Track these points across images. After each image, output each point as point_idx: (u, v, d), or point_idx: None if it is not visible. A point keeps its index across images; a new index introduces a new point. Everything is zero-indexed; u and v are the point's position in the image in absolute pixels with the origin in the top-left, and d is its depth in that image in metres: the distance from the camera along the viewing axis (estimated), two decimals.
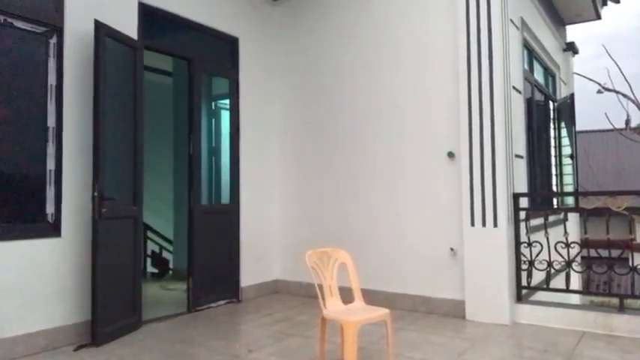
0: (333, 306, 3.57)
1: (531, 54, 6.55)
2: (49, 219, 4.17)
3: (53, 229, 4.16)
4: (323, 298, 3.52)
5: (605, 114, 13.35)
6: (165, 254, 8.42)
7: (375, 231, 5.61)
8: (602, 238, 4.50)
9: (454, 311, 4.99)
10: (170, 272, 7.93)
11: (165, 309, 5.41)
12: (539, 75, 7.10)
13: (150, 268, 8.25)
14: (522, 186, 5.50)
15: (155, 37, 5.17)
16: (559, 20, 8.31)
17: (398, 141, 5.51)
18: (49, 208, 4.18)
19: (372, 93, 5.72)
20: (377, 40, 5.71)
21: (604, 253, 4.59)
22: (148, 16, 5.02)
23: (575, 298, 6.49)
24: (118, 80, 4.54)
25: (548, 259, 4.73)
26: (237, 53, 6.06)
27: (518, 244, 4.86)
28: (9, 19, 3.96)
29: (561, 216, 5.91)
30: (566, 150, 7.81)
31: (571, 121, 7.78)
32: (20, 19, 4.02)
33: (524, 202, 5.07)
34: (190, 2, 5.45)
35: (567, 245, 4.62)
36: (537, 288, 4.95)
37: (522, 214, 4.95)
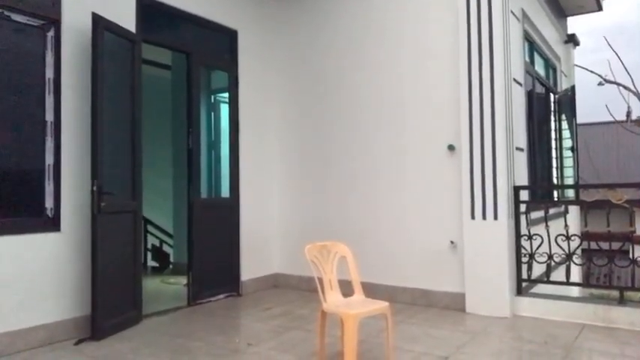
0: (333, 299, 3.57)
1: (532, 46, 6.51)
2: (49, 213, 4.17)
3: (52, 224, 4.16)
4: (323, 292, 3.51)
5: (606, 106, 13.33)
6: (165, 248, 8.43)
7: (375, 224, 5.60)
8: (602, 231, 4.49)
9: (454, 304, 4.99)
10: (170, 266, 7.94)
11: (165, 303, 5.41)
12: (540, 67, 7.06)
13: (150, 262, 8.27)
14: (523, 179, 5.49)
15: (154, 30, 5.13)
16: (560, 12, 8.26)
17: (398, 133, 5.49)
18: (48, 203, 4.17)
19: (372, 85, 5.69)
20: (377, 32, 5.67)
21: (604, 245, 4.59)
22: (147, 9, 4.98)
23: (575, 291, 6.50)
24: (117, 74, 4.51)
25: (548, 252, 4.73)
26: (237, 46, 6.02)
27: (518, 236, 4.85)
28: (6, 12, 3.94)
29: (562, 209, 5.90)
30: (567, 142, 7.79)
31: (572, 114, 7.76)
32: (17, 12, 4.00)
33: (524, 195, 5.05)
34: None
35: (568, 238, 4.62)
36: (537, 281, 4.95)
37: (523, 207, 4.94)
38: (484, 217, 4.80)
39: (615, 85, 12.99)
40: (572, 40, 8.63)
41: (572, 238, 4.63)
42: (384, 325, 3.51)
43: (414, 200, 5.36)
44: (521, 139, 5.49)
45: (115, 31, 4.45)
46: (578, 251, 4.77)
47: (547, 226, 4.77)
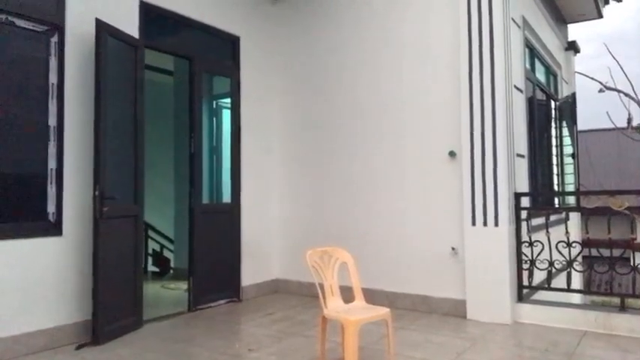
0: (333, 305, 3.57)
1: (533, 53, 6.54)
2: (51, 218, 4.18)
3: (54, 228, 4.17)
4: (324, 298, 3.52)
5: (607, 113, 13.31)
6: (166, 253, 8.43)
7: (376, 230, 5.60)
8: (603, 238, 4.50)
9: (455, 311, 4.98)
10: (171, 271, 7.94)
11: (166, 308, 5.42)
12: (540, 74, 7.09)
13: (151, 267, 8.26)
14: (523, 185, 5.49)
15: (156, 36, 5.16)
16: (561, 19, 8.30)
17: (399, 140, 5.51)
18: (51, 207, 4.18)
19: (373, 92, 5.72)
20: (378, 38, 5.70)
21: (605, 252, 4.59)
22: (149, 14, 5.01)
23: (576, 298, 6.49)
24: (119, 79, 4.53)
25: (549, 259, 4.73)
26: (239, 52, 6.05)
27: (519, 243, 4.85)
28: (10, 18, 3.96)
29: (562, 215, 5.89)
30: (568, 149, 7.80)
31: (572, 120, 7.77)
32: (21, 17, 4.02)
33: (525, 202, 5.06)
34: (191, 1, 5.45)
35: (568, 245, 4.62)
36: (538, 287, 4.94)
37: (523, 214, 4.94)
38: (485, 223, 4.81)
39: (616, 92, 12.99)
40: (572, 47, 8.67)
41: (573, 244, 4.63)
42: (385, 331, 3.51)
43: (414, 206, 5.36)
44: (522, 145, 5.50)
45: (118, 37, 4.48)
46: (579, 258, 4.77)
47: (548, 232, 4.77)
